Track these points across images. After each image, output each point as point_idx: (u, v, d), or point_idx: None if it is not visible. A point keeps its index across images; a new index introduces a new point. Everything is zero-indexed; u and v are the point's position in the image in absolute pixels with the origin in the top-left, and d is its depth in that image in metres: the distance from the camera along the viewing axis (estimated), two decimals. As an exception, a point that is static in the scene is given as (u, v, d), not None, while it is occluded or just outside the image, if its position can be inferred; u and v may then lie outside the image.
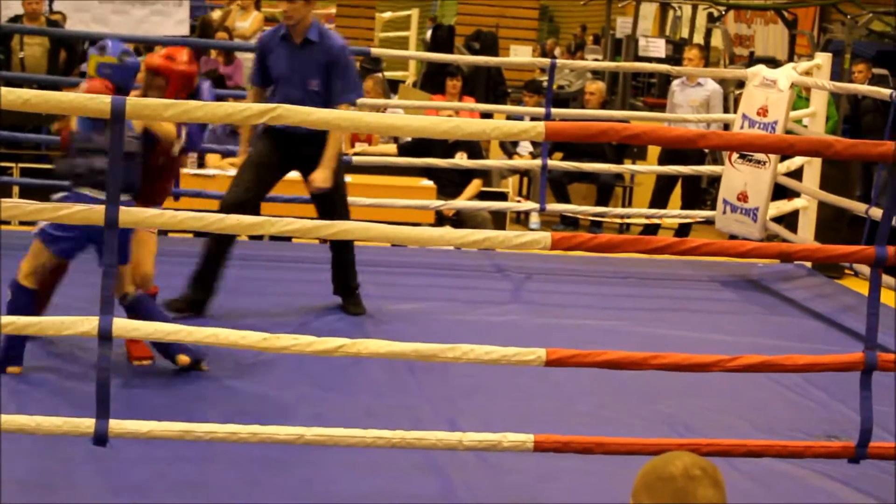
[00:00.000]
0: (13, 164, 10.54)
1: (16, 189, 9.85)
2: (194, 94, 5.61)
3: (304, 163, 6.53)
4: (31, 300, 5.32)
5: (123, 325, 4.17)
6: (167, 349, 5.47)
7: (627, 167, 11.10)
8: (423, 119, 4.86)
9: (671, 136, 4.49)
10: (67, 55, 12.14)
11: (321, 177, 6.37)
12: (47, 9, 13.21)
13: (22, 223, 7.15)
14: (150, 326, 4.24)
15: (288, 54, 6.48)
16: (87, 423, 4.15)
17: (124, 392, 5.16)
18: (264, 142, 6.57)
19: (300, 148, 6.47)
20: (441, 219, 9.90)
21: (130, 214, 4.15)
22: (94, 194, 5.10)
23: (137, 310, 5.31)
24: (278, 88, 6.56)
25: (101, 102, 4.07)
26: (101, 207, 4.10)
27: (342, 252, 6.75)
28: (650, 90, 16.79)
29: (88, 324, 4.14)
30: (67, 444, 4.48)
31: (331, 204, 6.56)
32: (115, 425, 4.17)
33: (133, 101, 4.14)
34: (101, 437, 4.16)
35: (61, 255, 5.40)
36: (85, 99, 4.21)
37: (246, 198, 6.42)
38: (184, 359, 5.48)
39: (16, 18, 12.41)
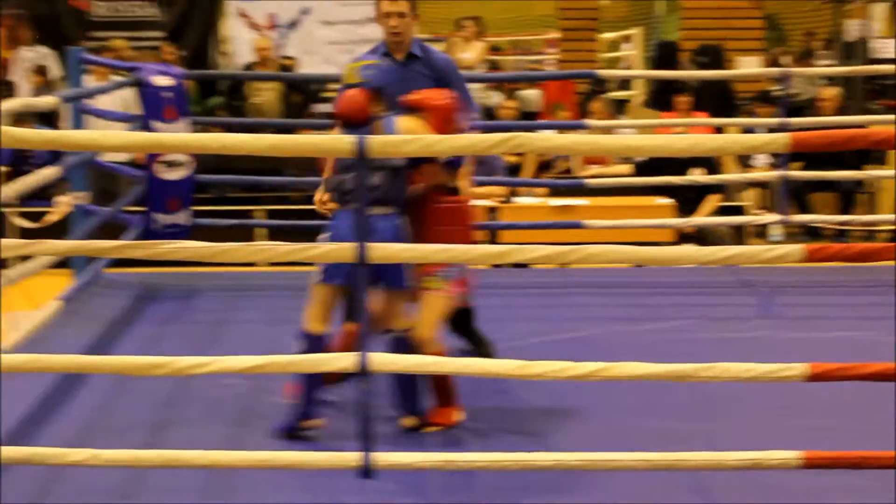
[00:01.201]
0: (255, 208, 10.85)
1: (259, 232, 10.13)
2: None
3: None
4: (320, 346, 5.14)
5: (381, 360, 4.23)
6: (410, 404, 5.40)
7: (873, 173, 10.78)
8: (660, 138, 4.82)
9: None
10: (304, 97, 12.46)
11: None
12: (277, 54, 13.61)
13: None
14: (409, 360, 4.29)
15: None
16: (354, 457, 4.22)
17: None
18: None
19: None
20: (681, 236, 9.79)
21: (380, 250, 4.20)
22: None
23: (399, 350, 5.16)
24: None
25: (346, 143, 4.15)
26: (351, 245, 4.17)
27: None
28: (886, 93, 16.28)
29: (347, 359, 4.22)
30: (330, 479, 4.59)
31: None
32: (381, 458, 4.23)
33: (376, 139, 4.21)
34: (366, 470, 4.22)
35: (341, 282, 5.21)
36: (329, 141, 4.31)
37: None
38: (409, 421, 5.37)
39: (249, 66, 12.82)
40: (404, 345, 5.21)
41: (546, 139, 4.45)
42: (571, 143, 4.52)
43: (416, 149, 4.30)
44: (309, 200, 11.44)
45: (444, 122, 5.20)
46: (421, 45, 5.84)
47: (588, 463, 4.27)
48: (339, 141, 4.29)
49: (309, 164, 11.59)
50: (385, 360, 4.24)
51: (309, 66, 14.00)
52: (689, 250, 4.54)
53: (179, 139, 5.46)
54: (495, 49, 14.67)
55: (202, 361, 4.24)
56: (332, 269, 5.13)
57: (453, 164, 5.38)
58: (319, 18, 14.67)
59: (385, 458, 4.23)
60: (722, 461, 4.33)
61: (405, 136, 4.48)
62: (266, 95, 12.45)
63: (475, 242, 5.22)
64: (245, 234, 9.33)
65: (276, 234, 9.61)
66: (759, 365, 4.30)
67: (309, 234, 8.34)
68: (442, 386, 5.32)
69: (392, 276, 5.05)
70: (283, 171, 11.58)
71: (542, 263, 5.00)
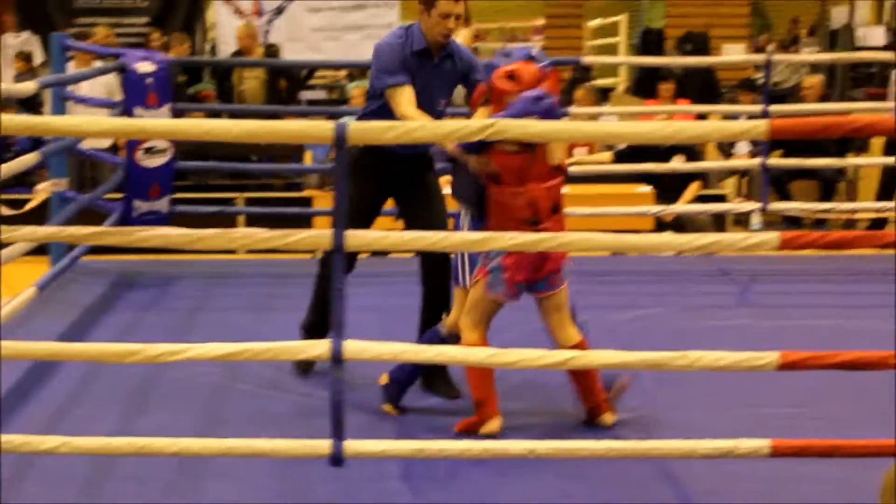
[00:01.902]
0: (237, 195, 10.83)
1: (241, 219, 10.12)
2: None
3: (405, 186, 5.87)
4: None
5: (354, 347, 4.23)
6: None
7: (851, 161, 10.79)
8: (642, 125, 4.80)
9: (898, 127, 4.32)
10: (288, 84, 12.42)
11: None
12: (263, 41, 13.57)
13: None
14: (380, 347, 4.29)
15: (424, 72, 5.70)
16: (324, 445, 4.23)
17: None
18: (362, 176, 5.62)
19: (404, 167, 5.81)
20: (660, 224, 9.80)
21: (356, 238, 4.20)
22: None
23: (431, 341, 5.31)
24: None
25: (325, 129, 4.14)
26: (328, 232, 4.17)
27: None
28: (871, 81, 16.31)
29: (320, 347, 4.22)
30: (305, 467, 4.60)
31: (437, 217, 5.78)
32: (351, 446, 4.24)
33: (355, 125, 4.20)
34: (337, 458, 4.23)
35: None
36: (306, 127, 4.30)
37: None
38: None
39: (235, 54, 12.78)
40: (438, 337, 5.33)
41: (526, 126, 4.42)
42: (551, 129, 4.48)
43: (395, 136, 4.30)
44: (290, 188, 11.52)
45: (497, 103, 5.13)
46: (452, 41, 5.80)
47: (559, 451, 4.27)
48: (316, 127, 4.28)
49: (291, 152, 11.67)
50: (358, 348, 4.23)
51: (294, 53, 13.97)
52: (666, 238, 4.54)
53: (159, 125, 5.44)
54: (478, 35, 14.63)
55: (176, 349, 4.24)
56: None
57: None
58: (305, 5, 14.62)
59: (356, 446, 4.23)
60: (693, 449, 4.34)
61: (384, 123, 4.46)
62: (250, 83, 12.40)
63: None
64: (226, 222, 9.31)
65: (257, 221, 9.59)
66: (731, 354, 4.30)
67: (290, 222, 8.39)
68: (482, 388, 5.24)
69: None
70: (264, 159, 11.61)
71: (520, 250, 5.01)
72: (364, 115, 5.78)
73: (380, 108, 5.62)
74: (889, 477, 2.42)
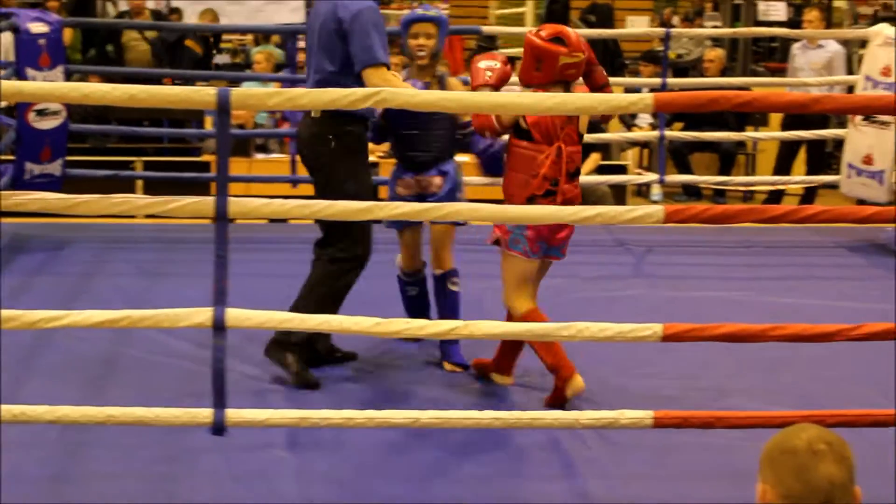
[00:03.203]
0: (134, 159, 10.66)
1: (139, 184, 9.98)
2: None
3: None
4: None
5: (236, 315, 4.19)
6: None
7: (749, 134, 10.89)
8: (528, 96, 4.79)
9: (784, 102, 4.37)
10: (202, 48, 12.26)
11: None
12: (165, 6, 13.38)
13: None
14: (263, 316, 4.25)
15: None
16: (206, 413, 4.19)
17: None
18: (360, 154, 5.51)
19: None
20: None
21: (239, 205, 4.15)
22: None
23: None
24: None
25: (206, 94, 4.08)
26: (211, 199, 4.12)
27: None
28: (773, 55, 16.47)
29: (202, 315, 4.17)
30: (189, 434, 4.55)
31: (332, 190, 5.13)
32: (233, 414, 4.20)
33: (238, 91, 4.15)
34: (218, 427, 4.19)
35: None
36: (188, 91, 4.23)
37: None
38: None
39: (122, 15, 12.55)
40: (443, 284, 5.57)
41: (413, 94, 4.41)
42: (437, 98, 4.45)
43: (277, 102, 4.26)
44: (187, 152, 11.36)
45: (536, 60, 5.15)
46: None
47: (442, 421, 4.27)
48: (199, 92, 4.21)
49: (190, 116, 11.50)
50: (240, 316, 4.19)
51: (195, 18, 13.79)
52: (549, 210, 4.54)
53: (37, 88, 5.32)
54: (383, 2, 14.56)
55: (54, 315, 4.17)
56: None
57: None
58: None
59: (237, 414, 4.20)
60: (576, 420, 4.36)
61: (268, 90, 4.41)
62: (139, 45, 12.17)
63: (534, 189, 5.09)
64: (123, 186, 9.16)
65: (154, 185, 9.45)
66: (616, 325, 4.32)
67: (187, 187, 8.28)
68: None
69: None
70: (163, 122, 11.45)
71: (405, 219, 4.99)
72: (334, 80, 5.21)
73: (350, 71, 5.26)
74: (766, 448, 2.43)
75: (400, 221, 5.57)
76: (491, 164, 5.54)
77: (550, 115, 5.02)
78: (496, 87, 5.17)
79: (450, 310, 5.70)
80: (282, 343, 5.35)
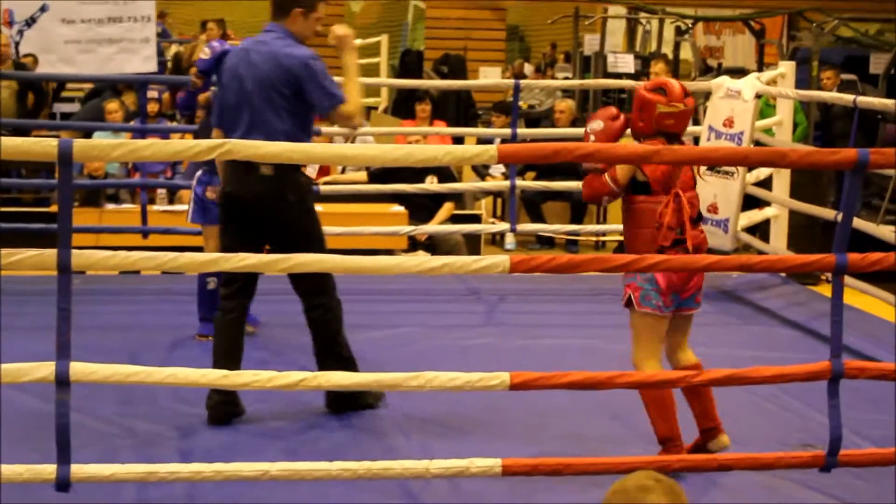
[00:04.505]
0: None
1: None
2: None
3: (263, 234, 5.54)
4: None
5: (81, 369, 4.12)
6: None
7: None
8: (372, 148, 4.84)
9: (625, 154, 4.45)
10: (35, 97, 12.08)
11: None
12: (14, 52, 13.16)
13: None
14: (109, 369, 4.19)
15: None
16: (49, 470, 4.11)
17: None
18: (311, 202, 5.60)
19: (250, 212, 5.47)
20: (414, 244, 9.87)
21: (82, 257, 4.10)
22: None
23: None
24: None
25: (47, 146, 4.03)
26: (53, 252, 4.06)
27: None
28: (623, 106, 16.79)
29: (45, 369, 4.10)
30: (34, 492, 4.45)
31: (304, 244, 5.18)
32: (78, 470, 4.12)
33: (80, 143, 4.11)
34: (63, 483, 4.11)
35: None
36: (32, 143, 4.18)
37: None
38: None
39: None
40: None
41: (256, 146, 4.41)
42: (282, 150, 4.45)
43: (122, 153, 4.22)
44: (39, 203, 11.17)
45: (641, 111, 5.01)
46: None
47: (292, 472, 4.24)
48: (39, 143, 4.15)
49: (40, 166, 11.32)
50: (85, 370, 4.13)
51: (46, 66, 13.58)
52: (398, 260, 4.59)
53: None
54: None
55: None
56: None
57: None
58: (58, 16, 14.23)
59: (81, 470, 4.12)
60: (426, 469, 4.37)
61: (112, 141, 4.37)
62: (1, 94, 11.99)
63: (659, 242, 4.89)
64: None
65: (2, 236, 9.26)
66: (464, 374, 4.35)
67: (40, 238, 8.11)
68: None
69: None
70: (12, 172, 11.25)
71: (256, 271, 4.97)
72: (292, 135, 5.30)
73: (304, 126, 5.41)
74: (605, 495, 2.49)
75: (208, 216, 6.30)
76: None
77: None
78: None
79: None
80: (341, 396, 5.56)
